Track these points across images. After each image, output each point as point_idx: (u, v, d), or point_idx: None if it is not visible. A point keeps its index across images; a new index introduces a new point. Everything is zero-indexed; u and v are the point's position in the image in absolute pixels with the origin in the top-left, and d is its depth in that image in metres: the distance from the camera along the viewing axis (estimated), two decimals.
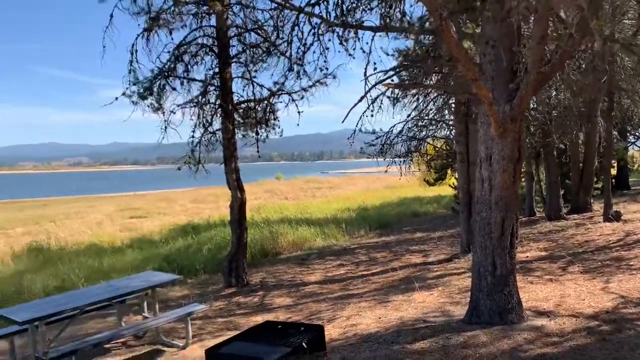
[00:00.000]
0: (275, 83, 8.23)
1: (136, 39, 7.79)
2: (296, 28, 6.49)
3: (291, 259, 10.47)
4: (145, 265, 10.16)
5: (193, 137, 8.66)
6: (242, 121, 9.04)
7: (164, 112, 8.17)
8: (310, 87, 8.49)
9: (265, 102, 8.89)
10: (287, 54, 7.62)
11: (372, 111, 6.09)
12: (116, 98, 7.78)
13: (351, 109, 5.20)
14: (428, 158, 14.75)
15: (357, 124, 8.53)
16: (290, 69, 7.66)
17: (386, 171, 12.91)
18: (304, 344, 3.24)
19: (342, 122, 5.51)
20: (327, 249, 11.39)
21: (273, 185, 40.83)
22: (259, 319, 6.42)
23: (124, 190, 64.00)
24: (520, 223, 9.92)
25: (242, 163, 8.76)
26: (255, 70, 8.38)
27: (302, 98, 8.28)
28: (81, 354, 5.06)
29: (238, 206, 8.44)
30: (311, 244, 11.89)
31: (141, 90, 7.86)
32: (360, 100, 5.29)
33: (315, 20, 5.91)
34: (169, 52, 8.04)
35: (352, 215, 16.63)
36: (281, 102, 8.81)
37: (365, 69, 5.45)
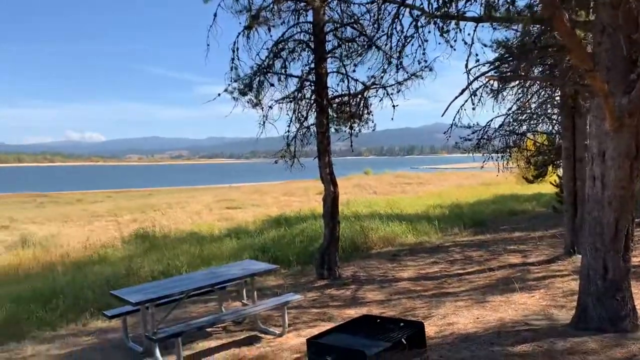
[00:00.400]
0: (372, 77, 8.18)
1: (237, 36, 8.08)
2: (396, 21, 6.41)
3: (382, 255, 10.42)
4: (241, 253, 10.55)
5: (288, 131, 8.86)
6: (335, 116, 9.11)
7: (262, 108, 8.44)
8: (406, 80, 8.37)
9: (359, 96, 8.89)
10: (384, 47, 7.57)
11: (473, 104, 5.89)
12: (219, 94, 8.13)
13: (452, 102, 5.07)
14: (528, 154, 14.08)
15: (454, 117, 8.30)
16: (390, 63, 7.58)
17: (482, 167, 12.52)
18: (403, 339, 3.21)
19: (442, 115, 5.39)
20: (419, 245, 11.21)
21: (362, 180, 40.81)
22: (352, 312, 6.47)
23: (220, 182, 67.15)
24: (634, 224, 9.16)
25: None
26: (355, 65, 8.36)
27: (398, 92, 8.19)
28: (186, 336, 5.37)
29: (331, 200, 8.52)
30: (402, 240, 11.75)
31: (241, 87, 8.16)
32: (461, 93, 5.13)
33: (415, 12, 5.80)
34: (267, 49, 8.27)
35: (444, 212, 16.23)
36: (375, 96, 8.76)
37: (467, 60, 5.28)
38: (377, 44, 7.89)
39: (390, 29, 6.71)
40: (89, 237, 16.92)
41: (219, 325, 6.10)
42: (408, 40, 6.40)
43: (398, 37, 6.60)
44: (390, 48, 7.08)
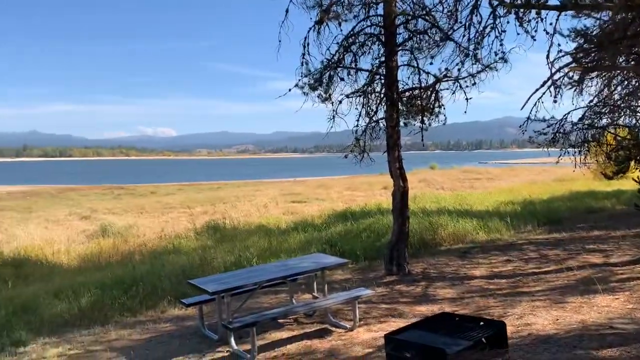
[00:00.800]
0: (446, 69, 7.97)
1: (308, 32, 8.12)
2: (474, 11, 6.21)
3: (452, 251, 10.20)
4: (308, 247, 10.65)
5: (357, 125, 8.81)
6: (405, 109, 8.98)
7: (332, 102, 8.46)
8: (479, 72, 8.08)
9: (430, 89, 8.71)
10: (461, 39, 7.34)
11: (554, 97, 5.62)
12: (289, 89, 8.22)
13: (532, 94, 4.87)
14: (608, 148, 13.30)
15: (531, 110, 7.99)
16: (467, 55, 7.34)
17: (557, 162, 12.03)
18: (483, 339, 3.13)
19: (521, 109, 5.19)
20: (490, 243, 10.87)
21: (427, 175, 40.17)
22: (423, 309, 6.38)
23: (285, 176, 68.29)
24: None
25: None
26: (433, 57, 8.16)
27: (473, 84, 7.91)
28: (258, 326, 5.49)
29: (400, 195, 8.42)
30: (473, 237, 11.44)
31: (312, 82, 8.22)
32: (543, 85, 4.92)
33: (494, 2, 5.60)
34: (337, 43, 8.26)
35: (516, 208, 15.64)
36: (447, 89, 8.55)
37: (548, 51, 5.05)
38: (451, 35, 7.67)
39: (468, 20, 6.49)
40: (164, 227, 17.71)
41: (291, 317, 6.20)
42: (487, 32, 6.18)
43: (476, 29, 6.39)
44: (469, 40, 6.85)
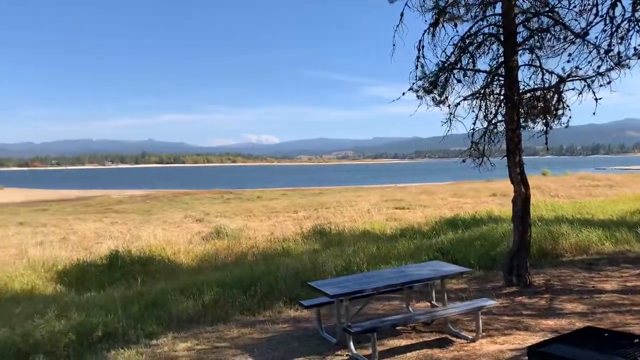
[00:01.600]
0: (577, 67, 7.40)
1: (423, 35, 7.99)
2: (617, 3, 5.73)
3: (575, 263, 9.50)
4: (418, 254, 10.42)
5: (474, 129, 8.50)
6: (524, 111, 8.52)
7: (448, 105, 8.24)
8: (609, 70, 7.42)
9: (553, 89, 8.18)
10: (589, 35, 6.81)
11: None
12: (403, 93, 8.12)
13: None
14: None
15: None
16: (603, 52, 6.74)
17: None
18: (639, 358, 2.85)
19: None
20: (619, 255, 9.99)
21: (539, 181, 37.81)
22: (551, 323, 6.00)
23: (385, 182, 68.01)
24: None
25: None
26: (569, 54, 7.60)
27: (609, 83, 7.25)
28: (377, 332, 5.44)
29: (521, 202, 7.98)
30: (598, 248, 10.58)
31: (426, 85, 8.07)
32: None
33: None
34: (453, 44, 8.03)
35: None
36: (573, 89, 7.97)
37: None
38: (589, 30, 7.10)
39: (610, 13, 5.98)
40: (272, 231, 18.29)
41: (409, 325, 6.09)
42: (631, 25, 5.66)
43: (616, 24, 5.85)
44: (611, 35, 6.28)
